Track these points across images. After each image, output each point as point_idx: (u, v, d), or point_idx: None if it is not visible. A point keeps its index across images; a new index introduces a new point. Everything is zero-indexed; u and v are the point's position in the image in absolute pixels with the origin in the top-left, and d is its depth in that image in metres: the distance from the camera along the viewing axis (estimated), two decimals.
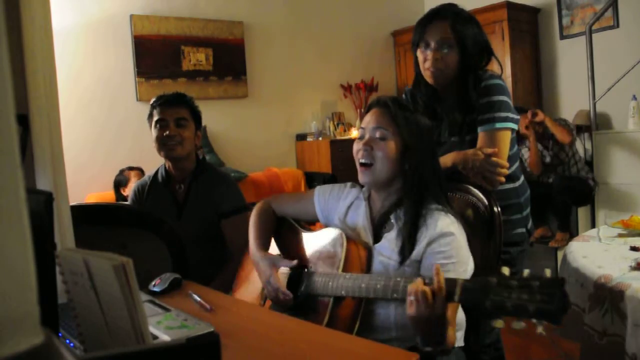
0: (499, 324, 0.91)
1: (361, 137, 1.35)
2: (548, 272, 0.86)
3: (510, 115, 1.57)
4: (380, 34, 5.15)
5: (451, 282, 1.00)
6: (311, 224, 1.61)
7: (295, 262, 1.39)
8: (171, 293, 1.43)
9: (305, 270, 1.40)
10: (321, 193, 1.53)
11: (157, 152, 1.95)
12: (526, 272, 0.90)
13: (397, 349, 1.06)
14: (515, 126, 1.60)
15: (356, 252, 1.33)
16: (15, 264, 0.34)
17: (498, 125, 1.56)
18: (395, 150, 1.29)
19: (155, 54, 3.83)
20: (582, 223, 3.68)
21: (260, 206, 1.59)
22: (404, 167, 1.30)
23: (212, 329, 1.05)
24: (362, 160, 1.32)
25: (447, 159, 1.58)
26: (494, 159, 1.51)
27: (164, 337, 1.02)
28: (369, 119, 1.34)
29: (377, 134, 1.31)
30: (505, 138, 1.57)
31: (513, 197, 1.63)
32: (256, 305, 1.42)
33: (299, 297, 1.38)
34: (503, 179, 1.52)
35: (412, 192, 1.30)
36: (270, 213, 1.58)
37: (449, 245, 1.22)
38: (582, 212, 3.70)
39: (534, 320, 0.87)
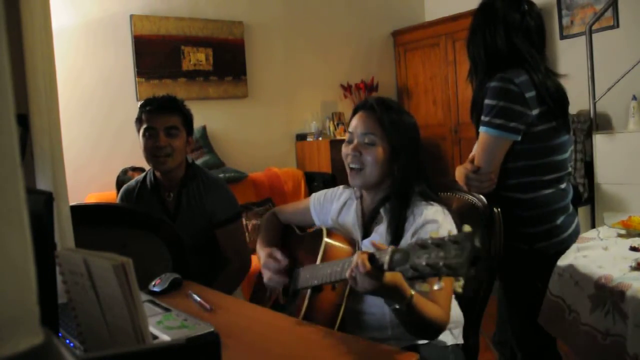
0: (423, 287, 0.89)
1: (350, 141, 1.37)
2: (466, 228, 0.85)
3: (492, 120, 1.53)
4: (380, 34, 5.14)
5: (384, 252, 0.99)
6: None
7: (287, 261, 1.43)
8: (171, 293, 1.43)
9: (296, 269, 1.43)
10: (316, 200, 1.59)
11: (146, 162, 1.87)
12: (449, 231, 0.89)
13: (397, 349, 1.06)
14: (495, 132, 1.52)
15: (338, 246, 1.36)
16: (15, 264, 0.34)
17: (480, 129, 1.57)
18: (384, 154, 1.32)
19: (155, 54, 3.83)
20: (582, 224, 3.67)
21: (267, 216, 1.71)
22: (392, 168, 1.32)
23: (212, 329, 1.05)
24: (352, 165, 1.35)
25: (456, 174, 1.62)
26: (471, 174, 1.54)
27: (164, 337, 1.02)
28: (356, 123, 1.36)
29: (366, 140, 1.33)
30: (484, 141, 1.56)
31: (515, 208, 1.58)
32: (256, 305, 1.43)
33: (290, 295, 1.42)
34: (485, 190, 1.54)
35: (400, 189, 1.33)
36: (275, 222, 1.67)
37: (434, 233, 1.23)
38: (582, 213, 3.70)
39: (454, 279, 0.85)
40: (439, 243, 0.86)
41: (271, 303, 1.51)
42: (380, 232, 1.33)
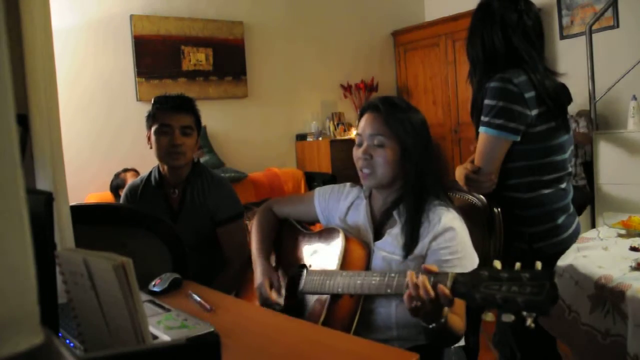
0: (488, 317, 0.90)
1: (359, 144, 1.35)
2: (539, 265, 0.85)
3: (492, 120, 1.52)
4: (380, 34, 5.14)
5: (443, 276, 1.00)
6: (312, 224, 1.62)
7: (283, 296, 1.42)
8: (171, 293, 1.43)
9: (305, 269, 1.41)
10: (321, 194, 1.54)
11: (157, 159, 1.89)
12: (517, 265, 0.89)
13: (398, 349, 1.06)
14: (495, 132, 1.52)
15: (355, 250, 1.33)
16: (15, 264, 0.34)
17: (480, 129, 1.57)
18: (394, 155, 1.30)
19: (155, 54, 3.83)
20: (582, 224, 3.66)
21: (262, 210, 1.63)
22: (404, 167, 1.31)
23: (212, 329, 1.05)
24: (364, 170, 1.33)
25: (456, 174, 1.62)
26: (471, 174, 1.55)
27: (164, 337, 1.02)
28: (364, 124, 1.35)
29: (375, 142, 1.31)
30: (484, 141, 1.56)
31: (515, 207, 1.58)
32: (256, 305, 1.42)
33: (299, 296, 1.40)
34: (486, 190, 1.54)
35: (413, 188, 1.30)
36: (271, 217, 1.61)
37: (453, 241, 1.23)
38: (582, 213, 3.70)
39: (524, 313, 0.86)
40: (513, 277, 0.87)
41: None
42: (393, 235, 1.31)
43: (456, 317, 1.15)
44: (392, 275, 1.16)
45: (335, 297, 1.28)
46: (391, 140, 1.30)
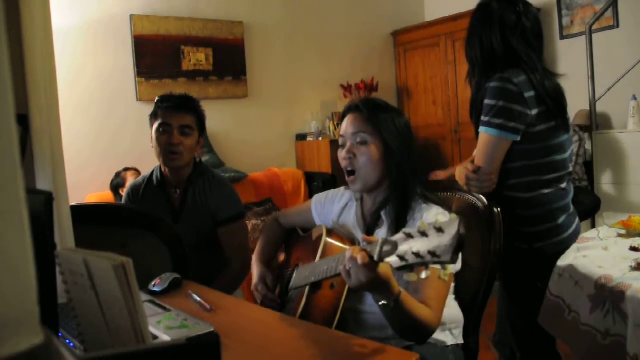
0: (411, 276, 0.89)
1: (343, 145, 1.37)
2: (453, 216, 0.85)
3: (492, 119, 1.53)
4: (380, 34, 5.14)
5: (374, 244, 0.99)
6: None
7: (276, 293, 1.52)
8: (171, 293, 1.43)
9: (297, 269, 1.44)
10: (318, 201, 1.59)
11: (156, 157, 1.90)
12: (439, 220, 0.88)
13: (398, 349, 1.06)
14: (495, 132, 1.52)
15: (338, 245, 1.36)
16: (15, 264, 0.34)
17: (480, 129, 1.57)
18: (378, 152, 1.32)
19: (155, 54, 3.83)
20: (582, 224, 3.67)
21: (269, 222, 1.72)
22: (389, 167, 1.32)
23: (212, 329, 1.05)
24: (348, 169, 1.35)
25: (456, 174, 1.62)
26: (471, 175, 1.55)
27: (164, 337, 1.02)
28: (346, 125, 1.37)
29: (358, 139, 1.33)
30: (484, 141, 1.56)
31: (515, 207, 1.58)
32: (256, 305, 1.43)
33: (289, 293, 1.44)
34: (486, 190, 1.53)
35: (398, 188, 1.32)
36: (276, 227, 1.69)
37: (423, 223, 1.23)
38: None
39: (438, 267, 0.85)
40: (424, 231, 0.87)
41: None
42: (380, 235, 1.32)
43: (423, 307, 1.11)
44: (345, 254, 1.16)
45: (313, 288, 1.30)
46: (374, 137, 1.31)
